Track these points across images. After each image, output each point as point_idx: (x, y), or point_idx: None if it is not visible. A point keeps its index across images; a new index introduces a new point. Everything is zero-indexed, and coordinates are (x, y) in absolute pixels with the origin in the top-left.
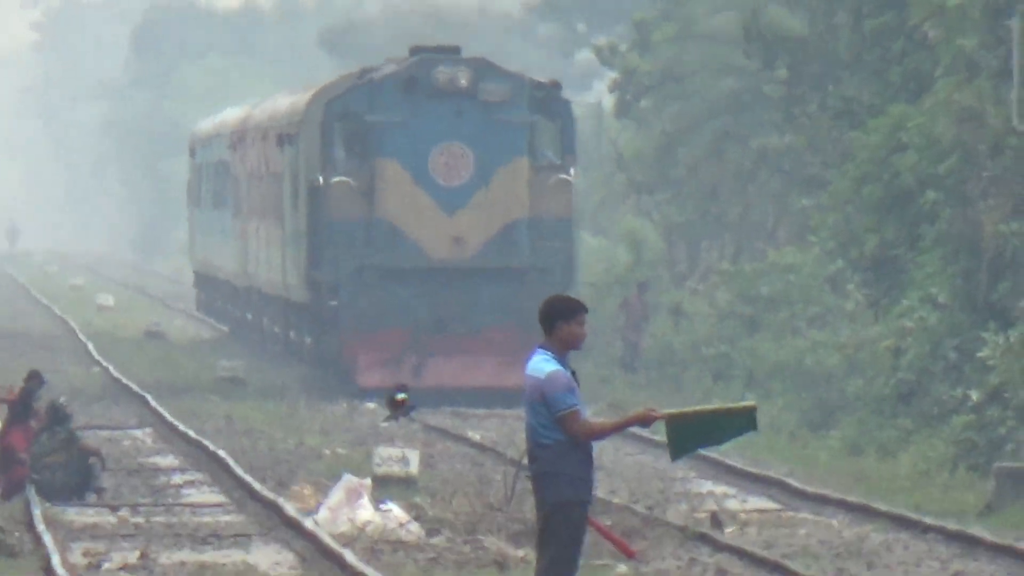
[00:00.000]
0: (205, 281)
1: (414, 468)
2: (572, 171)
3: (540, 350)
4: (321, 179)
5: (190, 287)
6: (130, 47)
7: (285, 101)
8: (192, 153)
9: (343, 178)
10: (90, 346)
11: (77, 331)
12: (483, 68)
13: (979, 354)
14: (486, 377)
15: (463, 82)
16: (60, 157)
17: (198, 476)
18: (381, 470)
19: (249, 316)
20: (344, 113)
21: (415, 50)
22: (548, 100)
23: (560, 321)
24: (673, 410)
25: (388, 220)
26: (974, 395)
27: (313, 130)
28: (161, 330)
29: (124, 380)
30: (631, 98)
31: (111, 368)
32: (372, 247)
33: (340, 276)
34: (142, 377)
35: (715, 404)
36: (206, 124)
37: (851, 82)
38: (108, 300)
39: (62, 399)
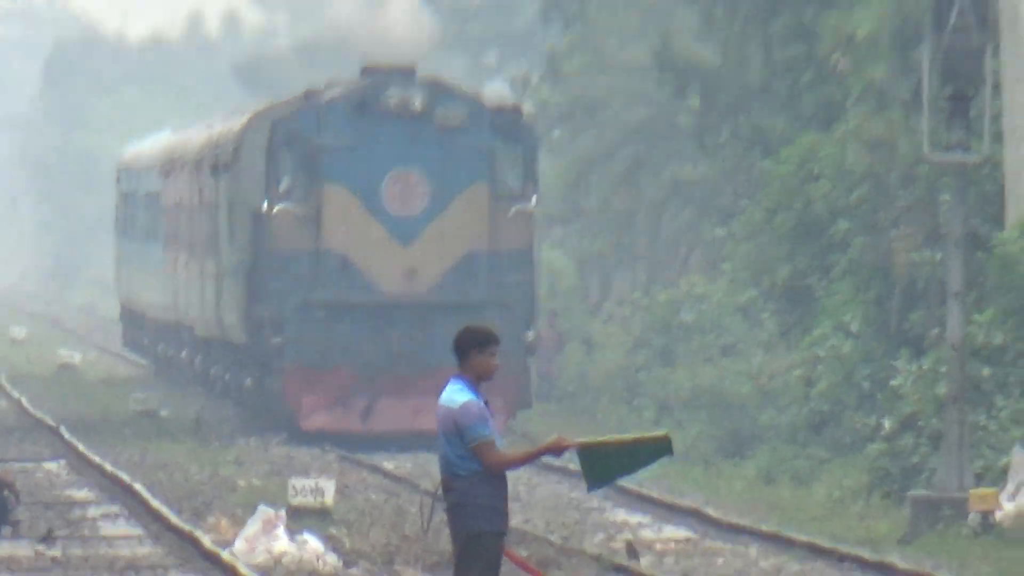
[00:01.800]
0: (131, 316)
1: (329, 499)
2: (534, 200)
3: (454, 379)
4: (265, 206)
5: (104, 320)
6: (41, 79)
7: (219, 126)
8: (118, 181)
9: (288, 205)
10: (2, 378)
11: None
12: (439, 90)
13: (892, 382)
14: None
15: (417, 105)
16: None
17: (113, 508)
18: (296, 501)
19: (182, 354)
20: (290, 136)
21: (367, 71)
22: (509, 124)
23: (473, 351)
24: (585, 439)
25: (337, 251)
26: (887, 423)
27: (255, 154)
28: (75, 363)
29: (37, 413)
30: (543, 129)
31: (24, 400)
32: (319, 280)
33: (284, 311)
34: (56, 410)
35: (628, 434)
36: (133, 151)
37: (762, 112)
38: (20, 333)
39: None
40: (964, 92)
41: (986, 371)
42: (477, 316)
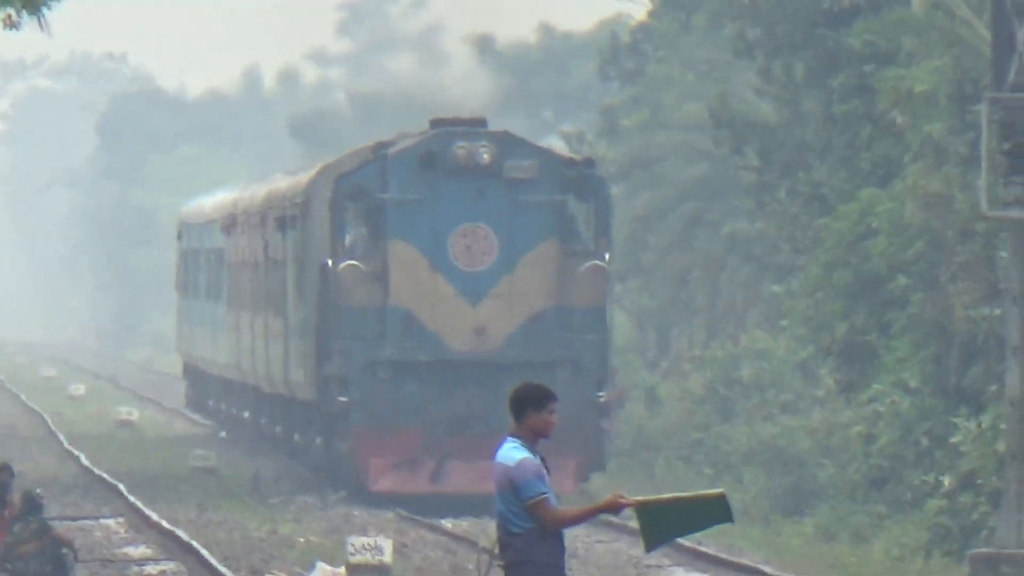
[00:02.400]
0: (194, 374)
1: (387, 556)
2: (607, 256)
3: (510, 438)
4: (330, 263)
5: (162, 377)
6: (97, 136)
7: (284, 181)
8: (180, 238)
9: (354, 262)
10: (60, 435)
11: (49, 421)
12: (508, 143)
13: (951, 439)
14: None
15: (486, 158)
16: (29, 247)
17: (171, 566)
18: (355, 559)
19: (246, 415)
20: (355, 191)
21: (435, 123)
22: (580, 178)
23: (530, 409)
24: (642, 497)
25: (404, 308)
26: (946, 480)
27: (320, 209)
28: (133, 420)
29: (96, 470)
30: None
31: (82, 457)
32: (386, 338)
33: (351, 370)
34: (114, 467)
35: (684, 492)
36: (194, 207)
37: (820, 168)
38: (79, 390)
39: (37, 490)
40: (1022, 148)
41: None
42: (548, 375)
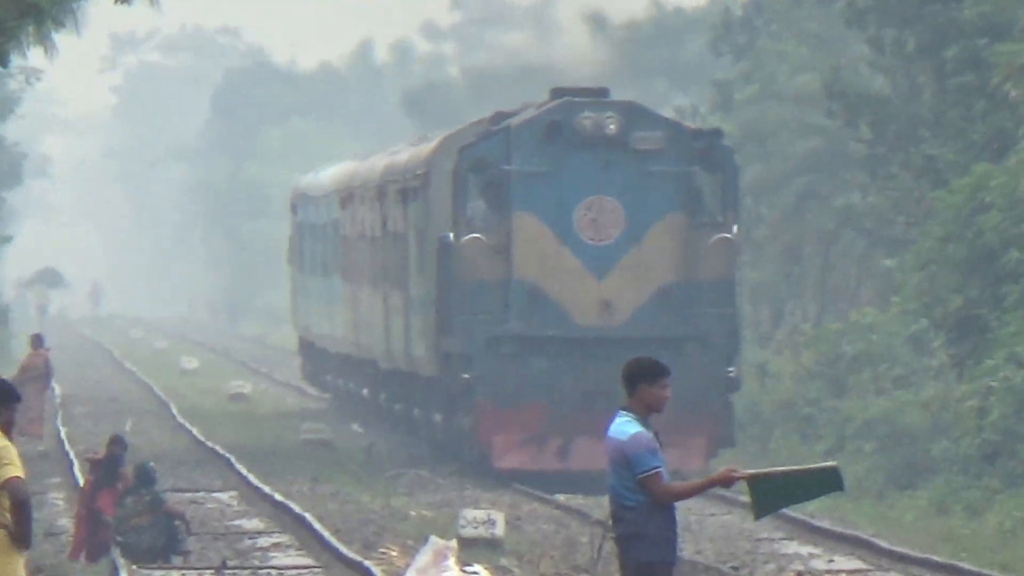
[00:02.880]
0: (310, 349)
1: (500, 530)
2: (735, 228)
3: (622, 412)
4: (452, 236)
5: (275, 351)
6: (210, 110)
7: (405, 152)
8: (294, 211)
9: (477, 235)
10: (173, 408)
11: (161, 395)
12: (634, 113)
13: None
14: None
15: (612, 128)
16: (141, 221)
17: (284, 539)
18: (467, 532)
19: (365, 391)
20: (478, 162)
21: (557, 92)
22: (708, 149)
23: (643, 383)
24: (754, 470)
25: (528, 282)
26: None
27: (442, 181)
28: (246, 394)
29: (209, 443)
30: None
31: (195, 431)
32: (510, 312)
33: (474, 345)
34: (227, 440)
35: (797, 465)
36: (310, 181)
37: (934, 141)
38: (192, 363)
39: (150, 463)
40: None
41: None
42: (675, 351)
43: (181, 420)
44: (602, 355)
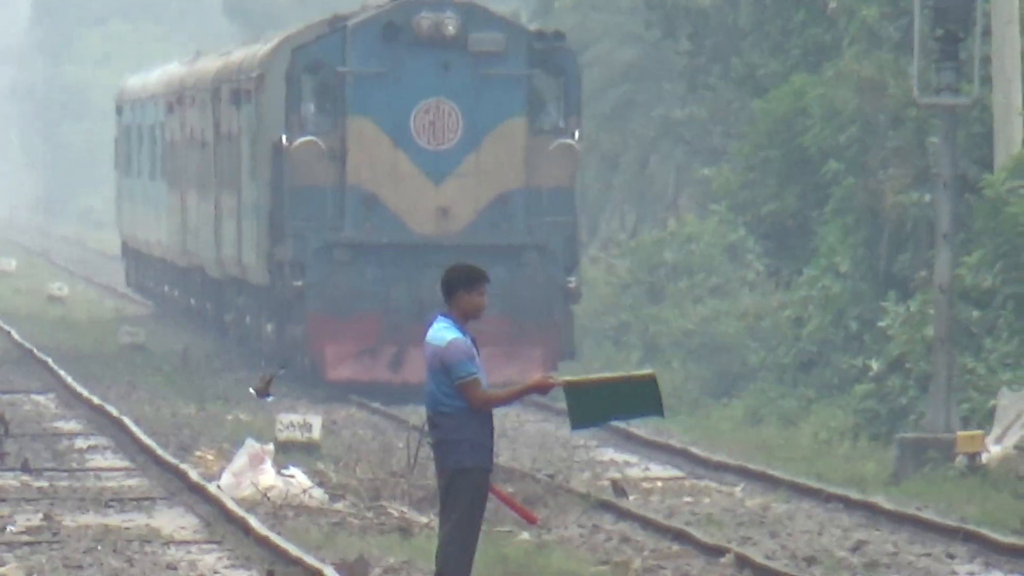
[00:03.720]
0: (135, 256)
1: (316, 434)
2: (576, 135)
3: (441, 317)
4: (285, 139)
5: (93, 254)
6: (31, 11)
7: (240, 53)
8: (119, 112)
9: (311, 138)
10: None
11: None
12: (474, 14)
13: (880, 324)
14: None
15: (451, 29)
16: None
17: (101, 441)
18: (284, 436)
19: (192, 301)
20: (313, 63)
21: None
22: (550, 52)
23: (461, 290)
24: (571, 377)
25: (363, 188)
26: (875, 365)
27: (276, 83)
28: (63, 296)
29: (26, 344)
30: None
31: (13, 332)
32: (344, 219)
33: (306, 253)
34: (44, 342)
35: (614, 373)
36: (137, 81)
37: (753, 52)
38: (10, 265)
39: None
40: (955, 34)
41: (975, 314)
42: (514, 259)
43: None
44: (438, 264)
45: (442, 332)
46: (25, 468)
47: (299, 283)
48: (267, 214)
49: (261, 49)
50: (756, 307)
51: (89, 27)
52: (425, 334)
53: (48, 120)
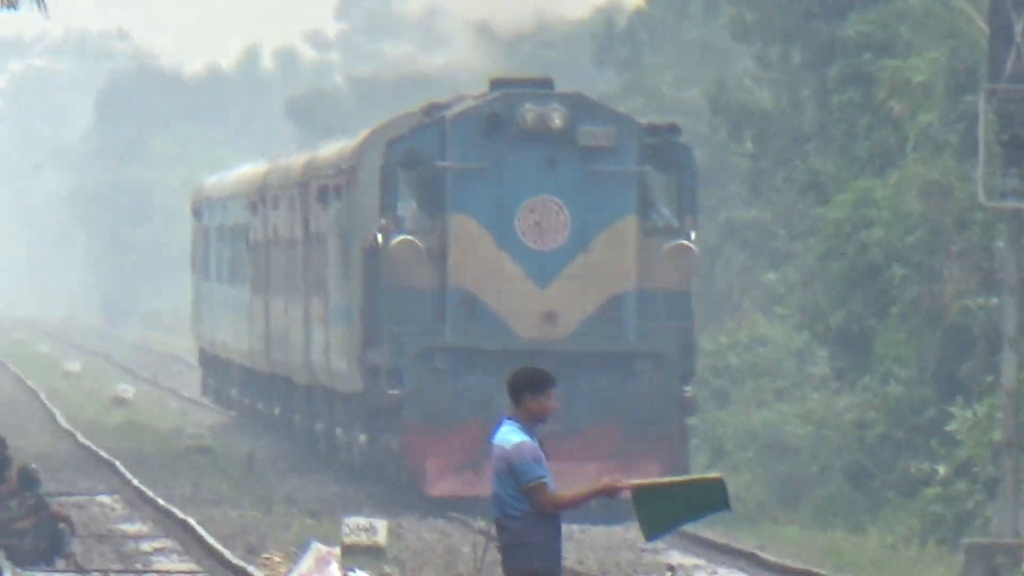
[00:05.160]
0: (213, 362)
1: (382, 538)
2: (692, 235)
3: (507, 420)
4: (380, 238)
5: (158, 356)
6: (94, 114)
7: (329, 147)
8: (197, 215)
9: (408, 237)
10: (56, 412)
11: (43, 397)
12: (582, 106)
13: (947, 428)
14: None
15: (557, 122)
16: (23, 225)
17: (167, 543)
18: (349, 539)
19: (277, 410)
20: (409, 157)
21: (497, 83)
22: (663, 147)
23: (527, 393)
24: (638, 480)
25: (465, 290)
26: (942, 469)
27: (369, 178)
28: (128, 398)
29: (92, 447)
30: None
31: (78, 435)
32: (444, 323)
33: (404, 359)
34: (109, 444)
35: (681, 476)
36: (216, 181)
37: (817, 156)
38: (75, 366)
39: (32, 464)
40: (1020, 139)
41: None
42: (626, 368)
43: (64, 423)
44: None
45: (509, 435)
46: (80, 570)
47: (396, 391)
48: (360, 317)
49: (352, 142)
50: (822, 409)
51: (154, 130)
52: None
53: (112, 223)
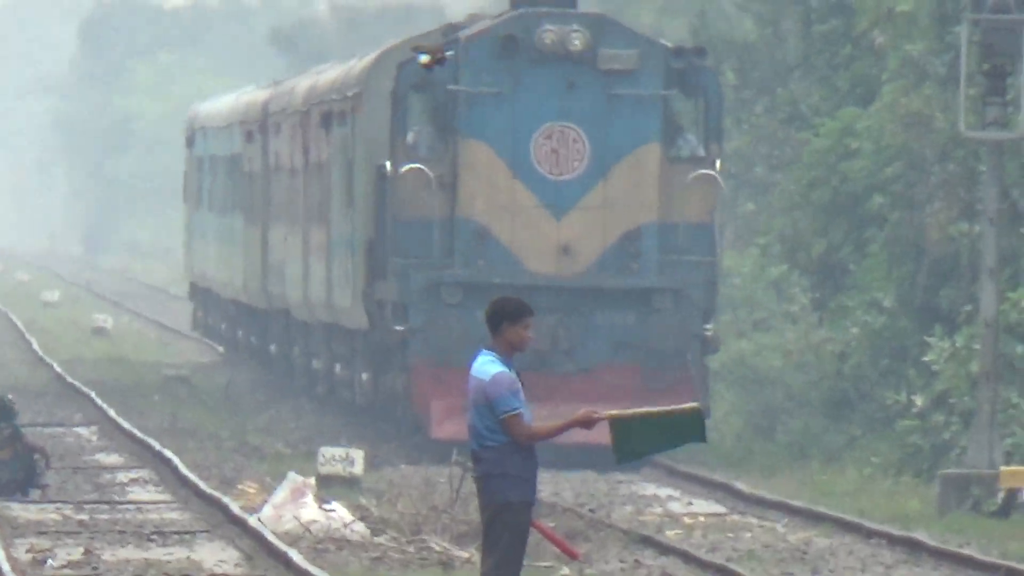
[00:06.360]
0: (205, 296)
1: (359, 468)
2: (717, 164)
3: (485, 351)
4: (389, 166)
5: (138, 285)
6: (77, 43)
7: (334, 71)
8: (190, 143)
9: (418, 165)
10: (34, 343)
11: (21, 327)
12: (604, 27)
13: (924, 358)
14: (600, 432)
15: (578, 44)
16: (5, 152)
17: (142, 474)
18: (326, 469)
19: (273, 347)
20: (421, 80)
21: (515, 2)
22: (688, 71)
23: (506, 323)
24: (615, 411)
25: (475, 221)
26: (919, 400)
27: (378, 103)
28: (107, 328)
29: (69, 378)
30: None
31: (55, 365)
32: (453, 256)
33: (410, 293)
34: (87, 375)
35: (658, 407)
36: (210, 108)
37: (799, 86)
38: (53, 296)
39: (8, 395)
40: (1002, 68)
41: (1020, 349)
42: (645, 304)
43: (42, 354)
44: (560, 307)
45: (486, 366)
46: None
47: (401, 327)
48: (365, 249)
49: (359, 64)
50: (800, 341)
51: (136, 58)
52: (544, 386)
53: (94, 152)
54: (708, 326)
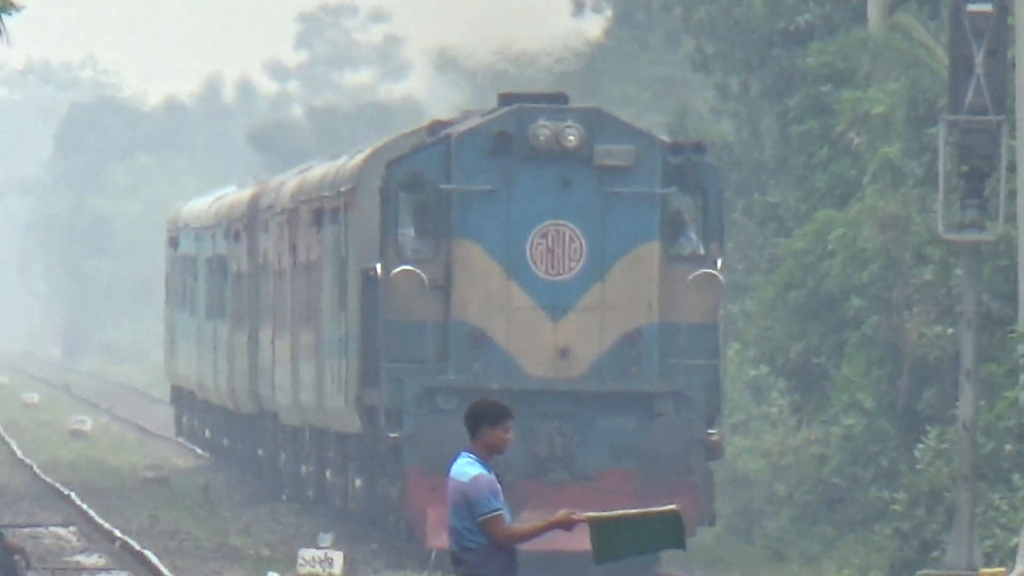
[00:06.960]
0: (189, 402)
1: (338, 570)
2: (719, 263)
3: (464, 453)
4: (379, 267)
5: (115, 387)
6: (54, 144)
7: (321, 168)
8: (173, 244)
9: (409, 267)
10: (13, 444)
11: (0, 429)
12: (599, 122)
13: (915, 453)
14: (580, 537)
15: (573, 140)
16: None
17: (123, 575)
18: (305, 571)
19: (260, 452)
20: (411, 179)
21: (505, 98)
22: (688, 167)
23: (485, 426)
24: (595, 513)
25: (470, 324)
26: (900, 500)
27: (368, 201)
28: (86, 430)
29: (48, 479)
30: None
31: (35, 466)
32: (448, 360)
33: (404, 399)
34: (66, 476)
35: (638, 509)
36: (194, 208)
37: (776, 188)
38: (34, 398)
39: None
40: (979, 170)
41: (1008, 447)
42: (646, 408)
43: (21, 456)
44: (558, 413)
45: (466, 467)
46: None
47: (395, 434)
48: (357, 353)
49: (348, 162)
50: (779, 444)
51: (114, 160)
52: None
53: (72, 254)
54: (712, 430)
